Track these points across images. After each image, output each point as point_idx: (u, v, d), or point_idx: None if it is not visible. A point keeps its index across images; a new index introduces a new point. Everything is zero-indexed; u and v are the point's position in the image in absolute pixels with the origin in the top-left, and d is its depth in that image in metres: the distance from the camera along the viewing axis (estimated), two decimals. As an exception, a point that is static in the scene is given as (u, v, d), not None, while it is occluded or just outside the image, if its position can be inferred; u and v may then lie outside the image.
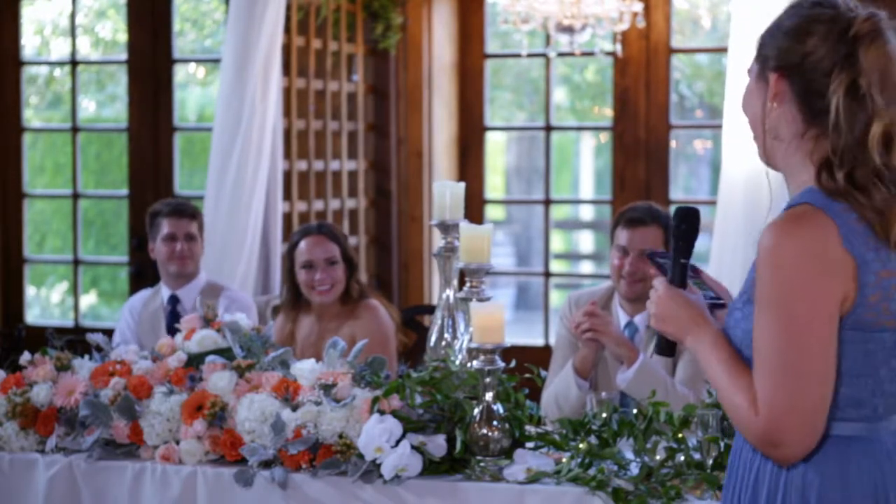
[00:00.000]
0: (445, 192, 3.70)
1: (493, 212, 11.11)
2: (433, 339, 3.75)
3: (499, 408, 3.42)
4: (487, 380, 3.41)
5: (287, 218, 6.41)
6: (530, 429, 3.55)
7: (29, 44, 7.70)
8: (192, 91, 8.81)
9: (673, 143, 6.92)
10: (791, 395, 2.17)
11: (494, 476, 3.40)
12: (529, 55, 6.83)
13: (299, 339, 4.97)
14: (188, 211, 5.35)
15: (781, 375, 2.17)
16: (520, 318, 11.35)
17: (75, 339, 4.75)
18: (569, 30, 6.19)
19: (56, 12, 7.73)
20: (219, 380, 3.70)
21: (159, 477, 3.63)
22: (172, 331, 4.35)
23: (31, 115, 7.91)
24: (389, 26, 6.82)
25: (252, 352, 3.85)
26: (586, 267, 12.49)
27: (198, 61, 8.31)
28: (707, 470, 3.32)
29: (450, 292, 3.73)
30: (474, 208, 6.99)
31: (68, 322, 7.44)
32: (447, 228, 3.70)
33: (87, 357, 3.96)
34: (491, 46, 7.32)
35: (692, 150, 11.68)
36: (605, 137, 10.35)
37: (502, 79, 10.77)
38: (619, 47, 6.49)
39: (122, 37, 7.10)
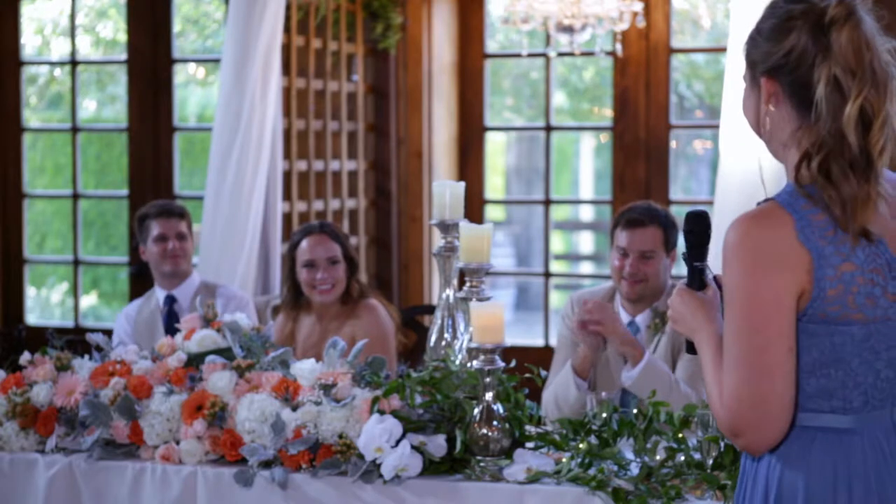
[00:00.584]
0: (445, 191, 3.70)
1: (493, 212, 11.12)
2: (433, 339, 3.75)
3: (499, 408, 3.42)
4: (487, 380, 3.41)
5: (287, 218, 6.42)
6: (530, 429, 3.55)
7: (29, 43, 7.70)
8: (192, 91, 8.81)
9: (673, 144, 6.92)
10: (750, 387, 2.23)
11: (494, 476, 3.40)
12: (529, 55, 6.83)
13: (300, 339, 4.96)
14: (176, 211, 5.38)
15: (741, 368, 2.24)
16: (520, 319, 11.36)
17: (75, 340, 4.74)
18: (569, 30, 6.19)
19: (56, 12, 7.74)
20: (219, 380, 3.70)
21: (159, 477, 3.63)
22: (171, 331, 4.34)
23: (31, 115, 7.91)
24: (389, 26, 6.82)
25: (252, 352, 3.85)
26: (586, 267, 12.49)
27: (198, 61, 8.31)
28: (707, 470, 3.32)
29: (450, 292, 3.73)
30: (474, 208, 6.99)
31: (68, 322, 7.44)
32: (447, 228, 3.70)
33: (87, 357, 3.96)
34: (491, 46, 7.32)
35: (692, 150, 11.68)
36: (605, 138, 10.36)
37: (502, 79, 10.78)
38: (619, 47, 6.48)
39: (123, 37, 7.10)
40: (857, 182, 2.23)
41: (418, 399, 3.52)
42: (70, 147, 7.17)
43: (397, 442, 3.40)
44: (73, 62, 7.16)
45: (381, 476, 3.40)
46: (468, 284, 3.61)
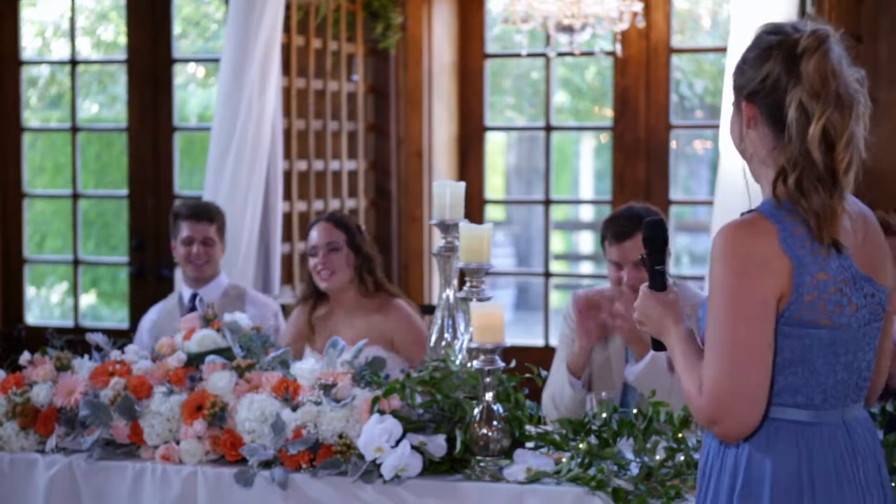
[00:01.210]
0: (445, 191, 3.70)
1: (493, 212, 11.11)
2: (433, 339, 3.75)
3: (499, 408, 3.42)
4: (487, 380, 3.41)
5: (287, 218, 6.41)
6: (530, 429, 3.55)
7: (29, 46, 7.70)
8: (192, 91, 8.81)
9: (673, 144, 6.92)
10: (729, 378, 2.43)
11: (494, 476, 3.40)
12: (529, 55, 6.83)
13: (318, 327, 4.93)
14: (207, 215, 5.31)
15: (721, 360, 2.44)
16: (520, 319, 11.36)
17: (75, 339, 4.74)
18: (569, 29, 6.19)
19: (57, 14, 7.74)
20: (219, 380, 3.70)
21: (159, 477, 3.64)
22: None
23: (31, 116, 7.91)
24: (389, 26, 6.82)
25: (252, 352, 3.85)
26: (586, 267, 12.50)
27: (198, 61, 8.31)
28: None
29: (450, 292, 3.73)
30: (474, 208, 6.99)
31: (68, 322, 7.44)
32: (447, 228, 3.70)
33: (87, 357, 3.97)
34: (491, 46, 7.32)
35: (692, 150, 11.68)
36: (604, 138, 10.36)
37: (503, 79, 10.78)
38: (619, 47, 6.48)
39: (123, 39, 7.10)
40: (826, 196, 2.46)
41: (418, 399, 3.53)
42: (70, 147, 7.17)
43: (397, 442, 3.40)
44: (73, 62, 7.16)
45: (381, 476, 3.41)
46: (468, 284, 3.61)
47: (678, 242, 11.04)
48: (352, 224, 5.00)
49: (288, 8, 6.23)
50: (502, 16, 6.38)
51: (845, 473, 2.52)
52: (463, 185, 3.74)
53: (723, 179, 5.90)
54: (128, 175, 6.97)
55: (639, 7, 6.25)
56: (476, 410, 3.43)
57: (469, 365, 3.51)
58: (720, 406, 2.44)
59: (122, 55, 7.04)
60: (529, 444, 3.51)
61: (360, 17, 6.85)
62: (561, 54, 6.75)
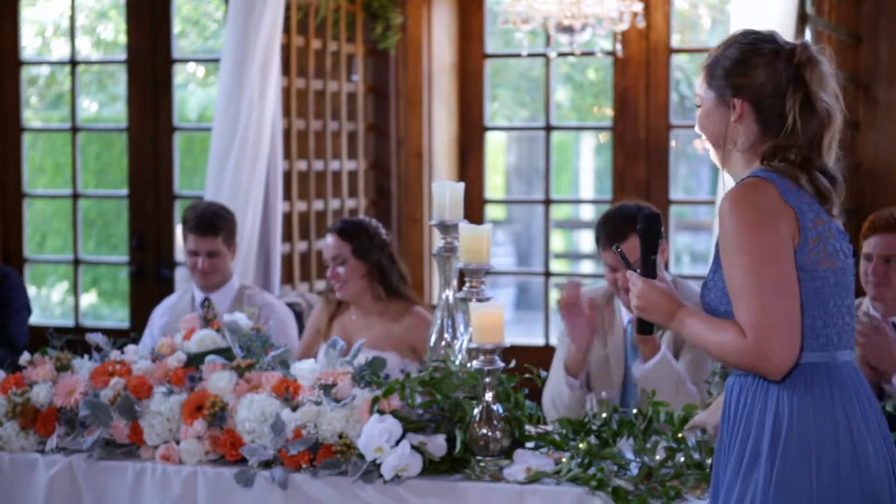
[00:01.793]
0: (445, 192, 3.70)
1: (493, 212, 11.11)
2: (433, 339, 3.75)
3: (499, 408, 3.43)
4: (487, 380, 3.41)
5: (287, 218, 6.41)
6: (530, 429, 3.55)
7: (29, 45, 7.70)
8: (192, 91, 8.81)
9: (673, 143, 6.92)
10: (771, 312, 2.66)
11: (494, 476, 3.40)
12: (529, 55, 6.83)
13: (335, 330, 4.93)
14: (211, 228, 5.21)
15: (759, 297, 2.66)
16: (520, 318, 11.36)
17: (76, 339, 4.74)
18: (569, 30, 6.19)
19: (57, 13, 7.74)
20: (219, 380, 3.70)
21: (159, 477, 3.64)
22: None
23: (31, 116, 7.91)
24: (389, 26, 6.82)
25: (252, 352, 3.85)
26: (586, 266, 12.48)
27: (198, 61, 8.31)
28: (706, 469, 3.32)
29: (449, 292, 3.73)
30: (474, 208, 6.99)
31: (69, 322, 7.44)
32: (447, 228, 3.70)
33: (86, 357, 3.97)
34: (491, 46, 7.32)
35: (692, 149, 11.68)
36: (604, 137, 10.35)
37: (504, 79, 10.78)
38: (619, 47, 6.48)
39: (123, 38, 7.09)
40: (830, 183, 2.81)
41: (418, 399, 3.53)
42: (70, 147, 7.17)
43: (397, 442, 3.41)
44: (73, 62, 7.16)
45: (381, 476, 3.41)
46: (468, 285, 3.61)
47: (678, 242, 11.04)
48: (361, 229, 4.95)
49: (288, 8, 6.22)
50: (502, 16, 6.38)
51: (864, 411, 2.74)
52: (462, 185, 3.74)
53: (724, 178, 5.90)
54: (128, 175, 6.96)
55: (639, 7, 6.24)
56: (476, 410, 3.43)
57: (469, 365, 3.51)
58: (768, 338, 2.65)
59: (122, 54, 7.04)
60: (529, 444, 3.51)
61: (360, 18, 6.84)
62: (561, 54, 6.74)
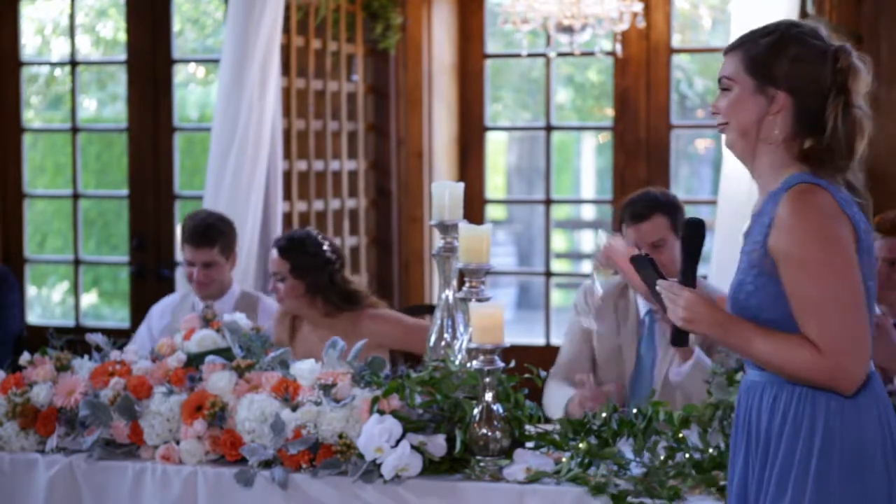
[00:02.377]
0: (444, 192, 3.70)
1: (494, 212, 11.12)
2: (433, 339, 3.75)
3: (498, 408, 3.43)
4: (487, 380, 3.41)
5: (287, 218, 6.41)
6: (530, 429, 3.55)
7: (29, 44, 7.69)
8: (192, 91, 8.81)
9: (673, 143, 6.92)
10: (848, 328, 2.62)
11: (494, 476, 3.40)
12: (529, 55, 6.83)
13: (296, 345, 4.90)
14: (206, 240, 5.17)
15: (835, 313, 2.62)
16: (521, 318, 11.37)
17: (76, 339, 4.74)
18: (569, 30, 6.19)
19: (56, 12, 7.74)
20: (218, 380, 3.70)
21: (159, 477, 3.64)
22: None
23: (32, 116, 7.91)
24: (389, 26, 6.81)
25: (252, 352, 3.85)
26: (587, 266, 12.48)
27: (198, 61, 8.31)
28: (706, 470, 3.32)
29: (449, 293, 3.73)
30: (475, 208, 6.99)
31: (69, 322, 7.44)
32: (446, 229, 3.70)
33: (87, 357, 3.97)
34: (491, 46, 7.32)
35: (693, 149, 11.68)
36: (604, 138, 10.36)
37: (505, 79, 10.78)
38: (619, 47, 6.48)
39: (123, 36, 7.09)
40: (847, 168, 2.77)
41: (418, 399, 3.53)
42: (70, 147, 7.17)
43: (397, 442, 3.41)
44: (73, 62, 7.16)
45: (381, 476, 3.41)
46: (467, 285, 3.61)
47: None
48: (303, 247, 4.84)
49: (288, 8, 6.22)
50: (502, 16, 6.38)
51: (891, 416, 2.74)
52: (462, 185, 3.74)
53: (726, 179, 5.90)
54: (128, 175, 6.96)
55: (639, 7, 6.24)
56: (476, 410, 3.43)
57: (469, 365, 3.51)
58: (847, 355, 2.61)
59: (122, 53, 7.04)
60: (529, 444, 3.51)
61: (360, 18, 6.84)
62: (561, 54, 6.74)
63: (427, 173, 7.03)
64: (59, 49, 7.93)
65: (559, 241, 13.24)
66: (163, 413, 3.68)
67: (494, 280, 9.19)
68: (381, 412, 3.46)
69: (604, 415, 3.53)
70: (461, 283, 3.66)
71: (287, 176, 6.40)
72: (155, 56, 6.86)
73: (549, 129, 7.15)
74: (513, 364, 3.49)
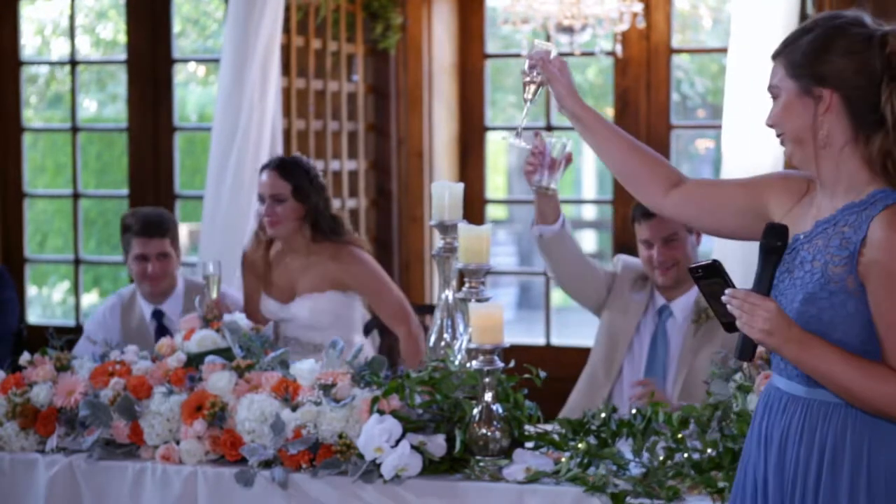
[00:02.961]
0: (444, 192, 3.70)
1: (494, 211, 11.12)
2: (433, 339, 3.75)
3: (498, 408, 3.43)
4: (487, 380, 3.41)
5: (287, 218, 6.40)
6: (530, 429, 3.55)
7: (29, 44, 7.70)
8: (193, 91, 8.82)
9: (674, 143, 6.92)
10: None
11: (494, 476, 3.40)
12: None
13: (274, 271, 4.87)
14: (158, 230, 5.06)
15: None
16: (522, 318, 11.36)
17: (76, 339, 4.74)
18: (569, 30, 6.19)
19: (56, 12, 7.74)
20: (218, 380, 3.71)
21: (160, 477, 3.64)
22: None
23: (32, 115, 7.91)
24: (389, 26, 6.81)
25: (251, 352, 3.85)
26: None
27: (198, 61, 8.32)
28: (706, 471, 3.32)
29: (449, 293, 3.73)
30: (475, 208, 6.99)
31: (70, 321, 7.44)
32: (446, 229, 3.70)
33: (86, 357, 3.97)
34: (491, 46, 7.32)
35: (694, 149, 11.68)
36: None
37: (506, 80, 10.78)
38: (619, 48, 6.48)
39: (122, 38, 7.10)
40: None
41: (418, 399, 3.53)
42: (70, 147, 7.18)
43: (397, 442, 3.41)
44: (73, 62, 7.16)
45: (381, 476, 3.41)
46: (467, 285, 3.61)
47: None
48: (301, 169, 4.84)
49: (288, 8, 6.22)
50: (502, 16, 6.37)
51: None
52: (461, 185, 3.74)
53: (726, 178, 5.91)
54: (128, 175, 6.97)
55: (639, 7, 6.24)
56: (475, 410, 3.43)
57: (468, 365, 3.51)
58: None
59: (122, 53, 7.04)
60: (529, 444, 3.51)
61: (360, 18, 6.84)
62: (561, 55, 6.72)
63: (427, 173, 7.03)
64: (59, 49, 7.93)
65: (559, 241, 13.22)
66: (163, 413, 3.68)
67: (495, 280, 9.19)
68: (381, 412, 3.46)
69: (603, 415, 3.54)
70: (461, 284, 3.67)
71: (287, 176, 6.39)
72: (155, 56, 6.86)
73: (549, 129, 7.15)
74: (512, 364, 3.49)
